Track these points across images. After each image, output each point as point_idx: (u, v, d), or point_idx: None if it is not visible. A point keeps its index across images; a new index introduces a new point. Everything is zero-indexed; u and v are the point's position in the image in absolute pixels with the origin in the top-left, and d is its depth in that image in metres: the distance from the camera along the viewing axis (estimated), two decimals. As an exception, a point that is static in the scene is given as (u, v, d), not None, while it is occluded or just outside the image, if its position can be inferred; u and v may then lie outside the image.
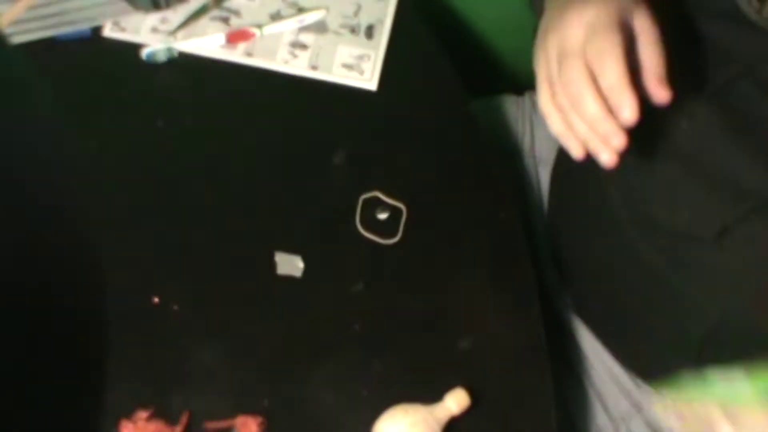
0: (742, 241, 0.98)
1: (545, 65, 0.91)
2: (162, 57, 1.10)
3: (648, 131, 1.03)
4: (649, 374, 1.16)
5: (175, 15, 1.15)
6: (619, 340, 1.17)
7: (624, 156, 1.01)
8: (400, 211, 1.03)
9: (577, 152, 0.88)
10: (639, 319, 1.12)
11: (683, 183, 1.01)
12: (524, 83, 1.33)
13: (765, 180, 0.94)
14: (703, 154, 0.98)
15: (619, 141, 0.85)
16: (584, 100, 0.85)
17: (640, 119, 0.90)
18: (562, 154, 1.25)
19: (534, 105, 1.31)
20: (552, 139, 1.28)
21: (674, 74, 0.98)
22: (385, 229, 1.01)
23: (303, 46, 1.14)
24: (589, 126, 0.86)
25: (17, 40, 1.05)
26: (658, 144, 1.02)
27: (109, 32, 1.12)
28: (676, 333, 1.08)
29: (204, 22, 1.15)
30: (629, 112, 0.84)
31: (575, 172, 1.19)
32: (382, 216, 1.02)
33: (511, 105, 1.33)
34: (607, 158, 0.86)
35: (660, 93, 0.87)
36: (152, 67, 1.10)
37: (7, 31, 1.06)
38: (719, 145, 0.97)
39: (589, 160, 1.10)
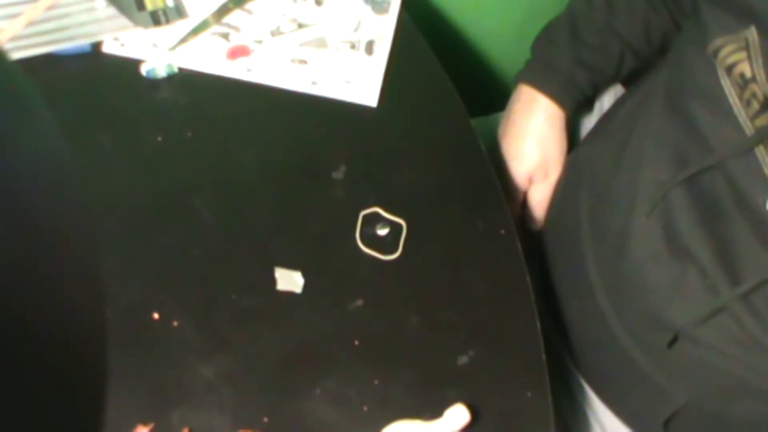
0: (693, 353, 0.99)
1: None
2: (162, 73, 1.10)
3: (624, 208, 1.04)
4: (630, 425, 1.16)
5: (175, 31, 1.15)
6: (598, 386, 1.17)
7: (605, 230, 1.04)
8: (400, 227, 1.03)
9: None
10: (612, 385, 1.13)
11: (653, 266, 1.01)
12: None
13: (725, 279, 0.94)
14: (674, 238, 0.99)
15: None
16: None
17: (617, 195, 1.08)
18: (551, 205, 1.25)
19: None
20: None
21: (659, 150, 1.00)
22: (385, 245, 1.01)
23: (303, 62, 1.14)
24: None
25: (16, 55, 1.05)
26: (632, 221, 1.03)
27: (108, 48, 1.12)
28: (643, 408, 1.08)
29: (204, 37, 1.15)
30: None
31: (560, 227, 1.20)
32: (382, 232, 1.02)
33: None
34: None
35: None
36: (152, 82, 1.10)
37: (7, 46, 1.06)
38: (689, 232, 0.97)
39: (572, 221, 1.12)
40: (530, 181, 1.24)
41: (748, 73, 0.93)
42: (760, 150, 0.92)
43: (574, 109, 1.25)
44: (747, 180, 0.93)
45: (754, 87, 0.92)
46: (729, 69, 0.95)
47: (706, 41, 0.98)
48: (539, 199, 1.25)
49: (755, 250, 0.93)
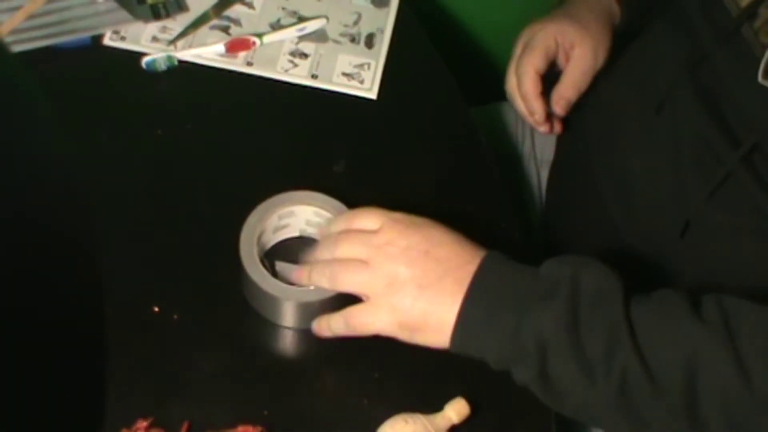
0: (704, 236, 1.00)
1: (514, 58, 1.17)
2: (162, 66, 1.10)
3: (634, 111, 1.06)
4: None
5: (175, 24, 1.15)
6: None
7: (613, 144, 1.05)
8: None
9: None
10: None
11: (662, 165, 1.03)
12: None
13: (728, 146, 0.97)
14: (679, 125, 1.02)
15: (543, 130, 1.18)
16: (514, 100, 1.17)
17: (624, 102, 1.10)
18: (560, 154, 1.26)
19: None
20: (551, 141, 1.29)
21: (656, 54, 1.03)
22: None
23: (303, 55, 1.14)
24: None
25: (17, 48, 1.05)
26: (642, 122, 1.07)
27: (109, 41, 1.12)
28: None
29: (204, 31, 1.15)
30: (537, 116, 1.14)
31: (571, 170, 1.21)
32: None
33: (511, 111, 1.33)
34: (542, 130, 1.18)
35: (557, 109, 1.15)
36: (152, 75, 1.10)
37: (7, 39, 1.06)
38: (693, 115, 1.01)
39: (585, 157, 1.12)
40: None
41: None
42: (746, 29, 0.96)
43: (629, 13, 1.21)
44: (734, 61, 0.97)
45: None
46: None
47: None
48: (577, 62, 1.17)
49: (750, 117, 0.95)
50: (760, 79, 0.93)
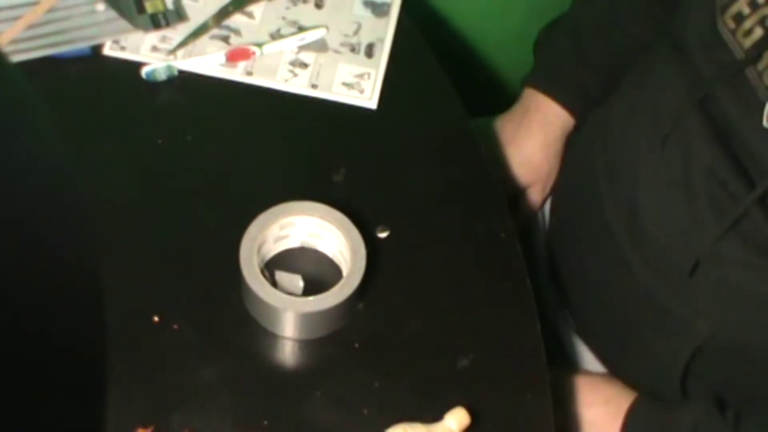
0: (716, 273, 0.99)
1: None
2: (162, 75, 1.10)
3: (640, 143, 1.06)
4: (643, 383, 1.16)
5: (175, 34, 1.15)
6: (615, 360, 1.17)
7: (621, 173, 1.05)
8: (400, 229, 1.03)
9: None
10: (631, 338, 1.13)
11: (673, 199, 1.03)
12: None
13: (743, 186, 0.96)
14: (689, 160, 1.01)
15: None
16: None
17: (630, 136, 1.09)
18: (565, 174, 1.26)
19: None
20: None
21: (659, 89, 1.03)
22: (386, 247, 1.01)
23: (303, 65, 1.14)
24: None
25: (17, 58, 1.05)
26: (649, 155, 1.06)
27: (109, 51, 1.12)
28: (664, 353, 1.08)
29: (204, 40, 1.15)
30: None
31: (576, 190, 1.20)
32: (383, 235, 1.02)
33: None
34: None
35: None
36: (152, 85, 1.10)
37: (7, 49, 1.06)
38: (704, 150, 1.00)
39: (591, 183, 1.12)
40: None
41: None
42: (750, 71, 0.96)
43: (585, 115, 1.26)
44: (738, 103, 0.97)
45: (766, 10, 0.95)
46: (724, 7, 0.98)
47: None
48: (536, 203, 1.29)
49: (760, 159, 0.96)
50: (765, 123, 0.93)
